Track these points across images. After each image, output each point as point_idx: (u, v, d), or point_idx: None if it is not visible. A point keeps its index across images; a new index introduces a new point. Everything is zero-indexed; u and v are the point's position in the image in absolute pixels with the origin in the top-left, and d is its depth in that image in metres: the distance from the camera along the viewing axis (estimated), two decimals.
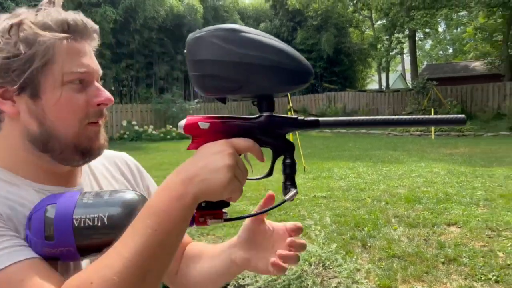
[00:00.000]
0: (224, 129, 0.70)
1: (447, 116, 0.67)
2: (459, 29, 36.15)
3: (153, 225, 0.60)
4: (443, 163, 8.53)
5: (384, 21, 23.71)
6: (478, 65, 24.73)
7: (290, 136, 8.63)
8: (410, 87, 21.15)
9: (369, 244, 4.05)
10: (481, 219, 4.56)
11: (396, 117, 0.70)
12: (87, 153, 0.77)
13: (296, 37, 25.70)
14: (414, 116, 0.69)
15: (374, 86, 32.72)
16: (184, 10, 22.34)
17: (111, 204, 0.69)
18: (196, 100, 21.52)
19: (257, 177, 0.76)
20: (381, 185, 6.50)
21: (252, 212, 0.84)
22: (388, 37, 23.89)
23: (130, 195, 0.73)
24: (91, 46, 0.78)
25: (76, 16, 0.75)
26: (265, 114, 0.73)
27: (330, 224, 4.65)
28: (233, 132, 0.70)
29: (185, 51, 0.70)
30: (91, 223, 0.67)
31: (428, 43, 45.72)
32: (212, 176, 0.63)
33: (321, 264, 3.43)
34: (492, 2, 18.13)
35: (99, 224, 0.67)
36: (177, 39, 22.13)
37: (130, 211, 0.68)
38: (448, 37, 42.89)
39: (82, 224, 0.67)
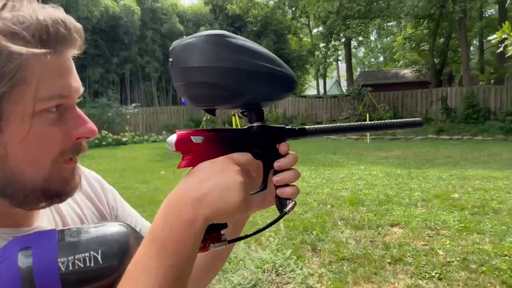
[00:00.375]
0: (218, 143, 0.66)
1: (408, 120, 0.72)
2: (389, 38, 38.35)
3: (167, 261, 0.52)
4: (380, 165, 8.92)
5: (321, 28, 24.56)
6: (407, 73, 26.38)
7: None
8: (346, 93, 22.02)
9: (319, 248, 4.09)
10: (421, 219, 4.80)
11: (371, 122, 0.73)
12: (58, 197, 0.62)
13: None
14: (384, 121, 0.73)
15: (312, 92, 33.75)
16: (120, 11, 21.59)
17: (102, 239, 0.59)
18: (133, 105, 20.86)
19: (252, 192, 0.71)
20: (325, 188, 6.65)
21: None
22: (325, 44, 24.76)
23: (117, 227, 0.62)
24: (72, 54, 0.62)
25: (57, 17, 0.56)
26: (256, 124, 0.70)
27: (282, 229, 4.65)
28: (227, 145, 0.66)
29: (169, 59, 0.65)
30: (82, 265, 0.55)
31: (361, 51, 48.01)
32: (226, 195, 0.56)
33: (274, 271, 3.40)
34: (420, 14, 19.45)
35: (92, 264, 0.56)
36: (112, 40, 21.30)
37: (124, 246, 0.58)
38: (379, 46, 45.34)
39: (71, 268, 0.55)
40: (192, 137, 0.64)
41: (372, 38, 39.63)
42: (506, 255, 3.69)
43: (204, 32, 0.62)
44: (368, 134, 15.70)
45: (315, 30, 29.30)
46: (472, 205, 5.30)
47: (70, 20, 0.59)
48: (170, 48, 0.64)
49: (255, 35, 25.68)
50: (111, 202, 0.84)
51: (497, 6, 21.86)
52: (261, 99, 0.68)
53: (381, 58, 47.63)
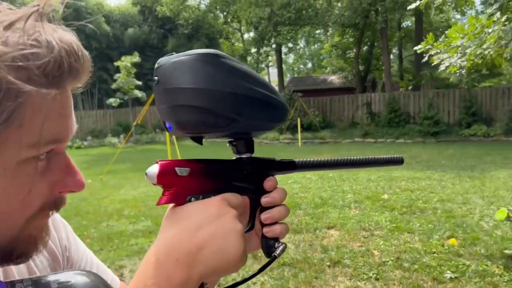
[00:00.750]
0: (205, 176, 0.59)
1: (389, 156, 0.71)
2: (317, 46, 39.86)
3: None
4: None
5: (253, 34, 24.85)
6: (334, 79, 27.54)
7: (168, 148, 8.34)
8: None
9: (259, 255, 4.03)
10: (355, 221, 4.95)
11: (359, 158, 0.70)
12: (18, 258, 0.49)
13: (168, 45, 25.27)
14: (369, 157, 0.70)
15: None
16: None
17: None
18: None
19: None
20: None
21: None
22: (257, 50, 25.07)
23: (82, 278, 0.49)
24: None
25: (71, 46, 0.45)
26: (245, 156, 0.64)
27: None
28: (214, 178, 0.60)
29: (154, 78, 0.57)
30: None
31: (291, 57, 49.39)
32: (225, 247, 0.50)
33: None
34: (346, 23, 20.42)
35: None
36: None
37: None
38: (307, 53, 46.97)
39: None
40: (177, 169, 0.57)
41: (301, 45, 40.96)
42: (435, 252, 3.91)
43: (196, 50, 0.56)
44: (299, 137, 16.10)
45: (246, 35, 29.59)
46: (400, 205, 5.58)
47: (82, 50, 0.47)
48: (156, 65, 0.57)
49: (186, 38, 25.32)
50: (64, 240, 0.71)
51: (413, 18, 23.61)
52: (253, 128, 0.61)
53: (310, 65, 49.37)
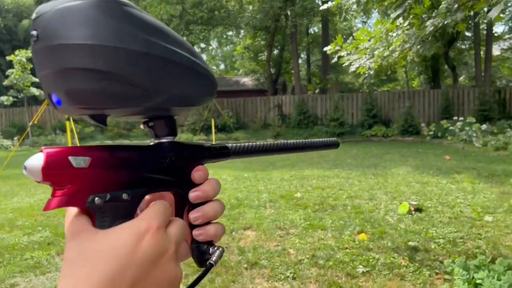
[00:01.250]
0: (112, 167, 0.46)
1: (325, 140, 0.68)
2: (229, 47, 40.12)
3: None
4: (228, 169, 9.08)
5: None
6: (247, 81, 27.91)
7: (69, 141, 7.61)
8: None
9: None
10: (271, 220, 4.95)
11: (296, 142, 0.65)
12: None
13: None
14: (306, 141, 0.66)
15: None
16: None
17: None
18: None
19: None
20: None
21: None
22: None
23: None
24: None
25: None
26: (167, 140, 0.52)
27: None
28: (125, 171, 0.46)
29: (32, 33, 0.42)
30: None
31: (203, 58, 49.02)
32: None
33: None
34: (257, 26, 20.77)
35: None
36: None
37: None
38: (220, 54, 47.05)
39: None
40: (71, 158, 0.43)
41: (214, 45, 40.88)
42: (347, 247, 4.03)
43: None
44: (213, 138, 15.97)
45: None
46: (313, 203, 5.72)
47: None
48: (34, 15, 0.42)
49: None
50: None
51: (320, 25, 24.85)
52: (176, 103, 0.48)
53: (222, 66, 49.51)
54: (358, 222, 4.76)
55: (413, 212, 5.06)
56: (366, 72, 3.99)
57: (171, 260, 0.43)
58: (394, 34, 3.82)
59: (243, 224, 4.82)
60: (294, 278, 3.46)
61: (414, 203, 5.25)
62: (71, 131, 8.19)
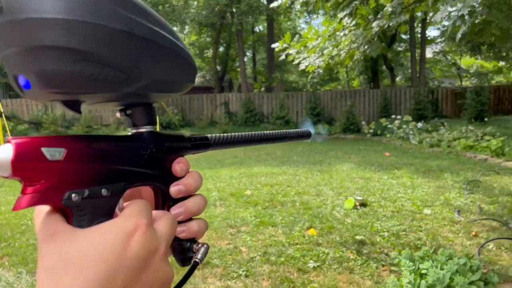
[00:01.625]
0: (89, 160, 0.41)
1: (299, 130, 0.68)
2: None
3: None
4: None
5: None
6: None
7: (0, 140, 7.04)
8: None
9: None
10: (221, 218, 4.90)
11: (273, 131, 0.65)
12: None
13: None
14: (284, 130, 0.66)
15: None
16: None
17: None
18: None
19: None
20: None
21: None
22: None
23: None
24: None
25: None
26: (146, 130, 0.48)
27: None
28: (103, 164, 0.42)
29: None
30: None
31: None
32: None
33: None
34: (203, 22, 20.54)
35: None
36: None
37: None
38: None
39: None
40: (44, 150, 0.38)
41: None
42: (297, 243, 4.08)
43: None
44: None
45: None
46: (263, 200, 5.75)
47: None
48: None
49: None
50: None
51: (265, 23, 25.09)
52: (158, 88, 0.45)
53: None
54: (307, 218, 4.85)
55: (358, 207, 5.24)
56: (316, 70, 4.06)
57: (162, 260, 0.40)
58: (342, 34, 3.91)
59: None
60: (247, 276, 3.45)
61: (359, 198, 5.44)
62: (3, 128, 7.62)
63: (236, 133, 0.59)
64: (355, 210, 5.14)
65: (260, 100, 19.99)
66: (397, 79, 27.44)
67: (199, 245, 0.49)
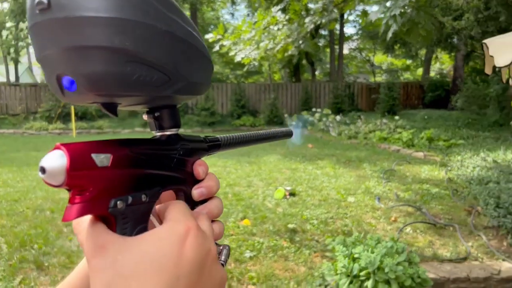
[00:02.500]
0: (132, 165, 0.40)
1: (285, 129, 0.69)
2: None
3: None
4: None
5: (10, 4, 21.05)
6: None
7: None
8: (46, 81, 19.81)
9: (46, 264, 3.41)
10: None
11: (274, 130, 0.67)
12: None
13: None
14: (276, 129, 0.68)
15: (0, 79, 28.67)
16: None
17: None
18: None
19: None
20: (39, 191, 5.70)
21: None
22: (16, 24, 21.37)
23: None
24: None
25: None
26: (171, 132, 0.48)
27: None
28: (145, 170, 0.42)
29: (35, 1, 0.34)
30: None
31: None
32: None
33: None
34: None
35: None
36: None
37: None
38: None
39: None
40: (94, 156, 0.36)
41: None
42: (233, 234, 4.12)
43: None
44: (73, 127, 14.66)
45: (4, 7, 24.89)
46: None
47: None
48: None
49: None
50: None
51: (189, 13, 24.61)
52: (190, 91, 0.44)
53: None
54: (241, 209, 4.90)
55: (288, 197, 5.42)
56: (252, 63, 4.10)
57: (215, 261, 0.40)
58: (276, 28, 3.99)
59: None
60: None
61: (288, 188, 5.63)
62: None
63: (242, 133, 0.60)
64: (285, 200, 5.31)
65: None
66: (316, 73, 28.65)
67: (221, 247, 0.49)
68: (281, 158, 8.70)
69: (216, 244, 0.49)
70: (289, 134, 0.69)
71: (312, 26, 3.56)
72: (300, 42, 3.60)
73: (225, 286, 0.41)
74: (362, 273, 2.75)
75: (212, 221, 0.49)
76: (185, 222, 0.38)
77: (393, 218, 4.61)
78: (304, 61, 23.06)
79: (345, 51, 26.83)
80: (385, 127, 11.36)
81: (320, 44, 25.38)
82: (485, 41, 2.98)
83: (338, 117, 13.73)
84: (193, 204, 0.48)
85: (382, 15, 2.81)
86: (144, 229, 0.40)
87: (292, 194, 5.57)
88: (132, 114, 19.06)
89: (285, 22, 4.05)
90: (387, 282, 2.73)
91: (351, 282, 2.80)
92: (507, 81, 4.15)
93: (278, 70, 28.92)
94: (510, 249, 3.82)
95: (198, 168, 0.48)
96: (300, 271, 3.37)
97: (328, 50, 24.48)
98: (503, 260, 3.57)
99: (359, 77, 26.42)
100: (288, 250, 3.75)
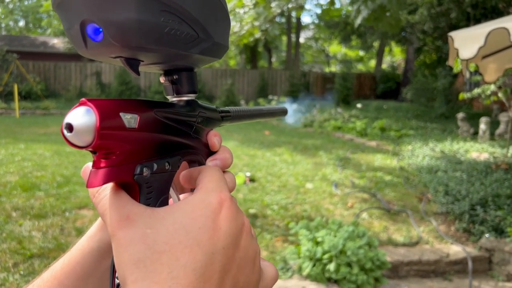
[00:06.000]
0: (158, 129, 0.38)
1: (279, 106, 0.68)
2: (31, 1, 34.82)
3: None
4: (44, 143, 8.00)
5: None
6: (58, 43, 24.76)
7: None
8: None
9: None
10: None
11: (274, 106, 0.66)
12: None
13: None
14: (278, 106, 0.67)
15: None
16: None
17: None
18: None
19: None
20: None
21: None
22: None
23: None
24: None
25: None
26: (188, 98, 0.44)
27: None
28: (168, 136, 0.39)
29: None
30: None
31: None
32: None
33: None
34: None
35: None
36: None
37: None
38: (19, 7, 40.30)
39: None
40: (122, 115, 0.33)
41: None
42: None
43: None
44: (17, 107, 13.79)
45: None
46: None
47: None
48: None
49: None
50: None
51: None
52: (211, 52, 0.41)
53: (22, 23, 42.62)
54: None
55: (248, 183, 5.43)
56: None
57: (249, 235, 0.37)
58: (242, 11, 3.94)
59: (77, 203, 4.36)
60: None
61: (248, 174, 5.64)
62: None
63: (247, 107, 0.57)
64: (245, 185, 5.32)
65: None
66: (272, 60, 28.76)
67: None
68: (238, 145, 8.68)
69: None
70: (284, 112, 0.68)
71: (279, 10, 3.54)
72: (268, 25, 3.57)
73: (259, 262, 0.39)
74: (325, 256, 2.82)
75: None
76: (219, 191, 0.36)
77: (349, 204, 4.75)
78: (260, 48, 23.05)
79: (301, 40, 27.11)
80: (339, 117, 11.65)
81: (277, 32, 25.48)
82: (450, 33, 3.11)
83: (294, 105, 13.90)
84: None
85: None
86: (166, 200, 0.38)
87: (252, 180, 5.59)
88: (81, 96, 18.24)
89: (251, 6, 4.00)
90: (349, 264, 2.81)
91: (314, 265, 2.86)
92: (456, 75, 4.36)
93: (234, 56, 28.78)
94: (457, 233, 4.06)
95: (214, 139, 0.45)
96: (262, 255, 3.37)
97: (284, 38, 24.59)
98: (451, 243, 3.80)
99: (314, 67, 26.84)
100: None
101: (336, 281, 2.82)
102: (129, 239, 0.31)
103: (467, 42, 2.77)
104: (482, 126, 8.78)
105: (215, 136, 0.45)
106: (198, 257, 0.31)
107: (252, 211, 4.34)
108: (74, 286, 0.44)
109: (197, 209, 0.33)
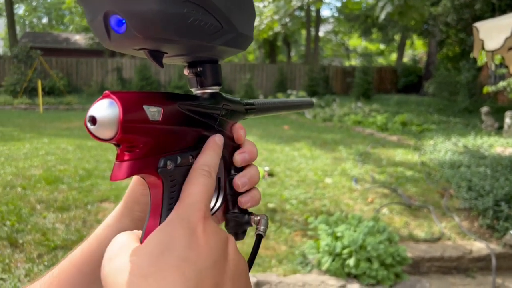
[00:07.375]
0: (181, 123, 0.37)
1: (306, 98, 0.67)
2: None
3: None
4: (67, 138, 8.17)
5: None
6: (80, 39, 25.20)
7: None
8: (11, 54, 18.92)
9: (20, 241, 3.29)
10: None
11: (297, 99, 0.64)
12: None
13: None
14: (303, 98, 0.66)
15: None
16: None
17: None
18: None
19: None
20: (8, 167, 5.46)
21: None
22: None
23: None
24: None
25: None
26: (213, 90, 0.44)
27: None
28: (192, 129, 0.39)
29: None
30: None
31: (22, 8, 42.17)
32: None
33: None
34: None
35: None
36: None
37: None
38: (42, 5, 41.09)
39: None
40: (146, 108, 0.33)
41: None
42: None
43: None
44: (41, 102, 14.10)
45: None
46: None
47: None
48: None
49: None
50: None
51: None
52: (235, 43, 0.41)
53: (45, 20, 43.46)
54: None
55: (266, 177, 5.43)
56: None
57: (236, 248, 0.37)
58: (261, 5, 3.92)
59: (99, 197, 4.44)
60: None
61: (267, 168, 5.63)
62: None
63: (272, 99, 0.56)
64: (264, 180, 5.32)
65: (157, 68, 19.21)
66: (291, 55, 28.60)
67: (258, 217, 0.47)
68: (257, 139, 8.68)
69: (253, 214, 0.48)
70: (311, 104, 0.68)
71: (299, 3, 3.51)
72: (287, 20, 3.55)
73: (248, 274, 0.39)
74: (344, 251, 2.80)
75: (250, 189, 0.47)
76: (198, 210, 0.35)
77: (369, 199, 4.70)
78: (279, 42, 22.94)
79: (320, 33, 26.86)
80: (360, 111, 11.51)
81: (297, 26, 25.30)
82: (475, 24, 3.02)
83: (314, 100, 13.81)
84: (230, 170, 0.46)
85: None
86: None
87: (271, 174, 5.58)
88: (102, 91, 18.51)
89: (271, 0, 3.97)
90: (369, 260, 2.78)
91: (333, 260, 2.84)
92: (480, 68, 4.24)
93: (253, 51, 28.72)
94: (480, 230, 3.97)
95: (240, 131, 0.45)
96: (281, 250, 3.39)
97: (303, 32, 24.39)
98: (474, 240, 3.72)
99: (334, 60, 26.58)
100: (268, 229, 3.76)
101: (355, 276, 2.80)
102: (114, 271, 0.31)
103: (492, 32, 2.69)
104: (507, 120, 8.55)
105: (241, 129, 0.45)
106: (187, 274, 0.31)
107: (271, 205, 4.34)
108: (92, 273, 0.45)
109: (178, 227, 0.33)
